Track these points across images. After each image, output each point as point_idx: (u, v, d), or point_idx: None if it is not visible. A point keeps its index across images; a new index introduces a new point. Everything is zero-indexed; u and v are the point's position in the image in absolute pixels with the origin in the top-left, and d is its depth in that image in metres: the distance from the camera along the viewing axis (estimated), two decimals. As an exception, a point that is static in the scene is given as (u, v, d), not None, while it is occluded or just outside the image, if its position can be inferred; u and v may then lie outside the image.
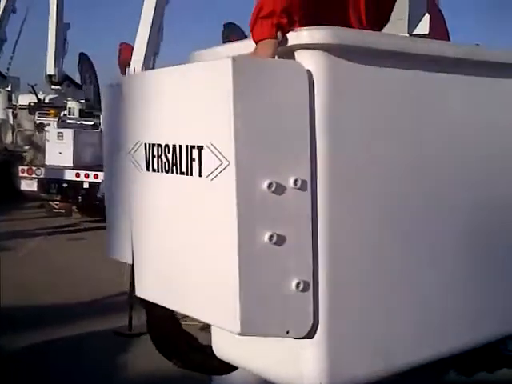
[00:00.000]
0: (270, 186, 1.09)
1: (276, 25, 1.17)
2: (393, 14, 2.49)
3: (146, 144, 1.30)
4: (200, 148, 1.14)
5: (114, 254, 1.57)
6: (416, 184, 1.32)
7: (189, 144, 1.17)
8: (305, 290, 1.15)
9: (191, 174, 1.17)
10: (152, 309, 1.65)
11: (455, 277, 1.43)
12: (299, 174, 1.13)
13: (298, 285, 1.14)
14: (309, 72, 1.14)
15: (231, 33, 14.39)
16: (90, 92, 16.26)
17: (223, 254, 1.11)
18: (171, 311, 1.68)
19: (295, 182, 1.12)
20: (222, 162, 1.08)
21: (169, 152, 1.23)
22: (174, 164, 1.21)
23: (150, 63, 9.67)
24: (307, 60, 1.15)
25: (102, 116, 1.88)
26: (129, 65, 9.12)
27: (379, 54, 1.21)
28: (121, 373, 3.84)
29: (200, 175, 1.14)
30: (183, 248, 1.23)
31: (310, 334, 1.19)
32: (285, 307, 1.15)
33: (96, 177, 8.52)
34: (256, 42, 1.19)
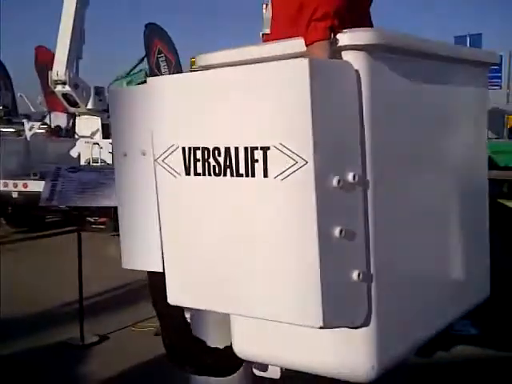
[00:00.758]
0: (338, 182, 1.12)
1: (330, 27, 1.22)
2: None
3: (184, 148, 1.26)
4: (265, 149, 1.13)
5: (136, 264, 1.48)
6: (435, 176, 1.45)
7: (249, 145, 1.16)
8: (364, 280, 1.21)
9: (252, 176, 1.16)
10: (167, 316, 1.60)
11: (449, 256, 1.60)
12: (356, 170, 1.18)
13: (359, 275, 1.19)
14: (357, 72, 1.19)
15: (153, 33, 14.12)
16: (7, 98, 15.03)
17: (301, 251, 1.12)
18: (184, 318, 1.64)
19: (354, 177, 1.17)
20: (296, 162, 1.10)
21: (219, 155, 1.20)
22: (228, 166, 1.19)
23: (73, 68, 9.09)
24: (355, 60, 1.20)
25: (110, 121, 1.69)
26: (47, 68, 8.47)
27: (411, 53, 1.31)
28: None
29: (266, 176, 1.14)
30: (241, 250, 1.21)
31: (367, 322, 1.24)
32: (352, 298, 1.20)
33: (25, 186, 7.86)
34: (309, 44, 1.22)
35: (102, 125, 9.67)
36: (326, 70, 1.11)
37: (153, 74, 13.55)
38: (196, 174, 1.25)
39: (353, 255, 1.19)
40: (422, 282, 1.44)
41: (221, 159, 1.20)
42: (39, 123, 9.50)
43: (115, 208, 1.53)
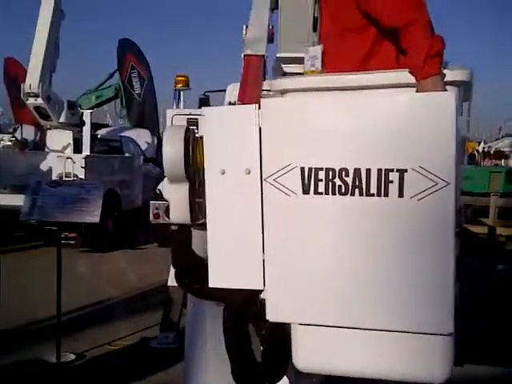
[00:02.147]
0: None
1: (441, 63, 1.31)
2: (302, 36, 2.76)
3: (303, 168, 1.27)
4: (402, 171, 1.16)
5: (229, 282, 1.46)
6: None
7: (383, 167, 1.18)
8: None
9: (386, 196, 1.18)
10: None
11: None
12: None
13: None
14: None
15: (126, 48, 13.89)
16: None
17: (438, 267, 1.16)
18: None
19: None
20: (436, 183, 1.13)
21: (347, 175, 1.22)
22: (357, 186, 1.21)
23: (46, 80, 8.83)
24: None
25: (205, 138, 1.65)
26: (16, 80, 8.15)
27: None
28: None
29: (401, 196, 1.17)
30: (367, 265, 1.24)
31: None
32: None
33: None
34: (424, 77, 1.29)
35: (74, 139, 9.46)
36: (455, 102, 1.18)
37: (125, 90, 13.41)
38: (317, 193, 1.26)
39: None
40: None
41: (349, 180, 1.22)
42: (9, 136, 9.18)
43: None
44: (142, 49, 14.10)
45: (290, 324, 1.56)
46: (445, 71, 1.31)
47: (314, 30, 2.11)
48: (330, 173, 1.24)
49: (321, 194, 1.25)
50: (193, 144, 2.20)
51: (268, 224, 1.36)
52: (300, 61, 2.94)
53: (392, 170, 1.18)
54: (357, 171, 1.21)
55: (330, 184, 1.24)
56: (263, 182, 1.34)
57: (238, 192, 1.41)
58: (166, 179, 2.67)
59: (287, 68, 2.99)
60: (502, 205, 8.61)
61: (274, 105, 1.34)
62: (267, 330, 1.69)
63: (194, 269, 1.90)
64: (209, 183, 1.45)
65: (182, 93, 7.01)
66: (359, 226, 1.23)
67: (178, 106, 7.95)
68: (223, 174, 1.42)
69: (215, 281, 1.48)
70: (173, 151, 2.21)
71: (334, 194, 1.24)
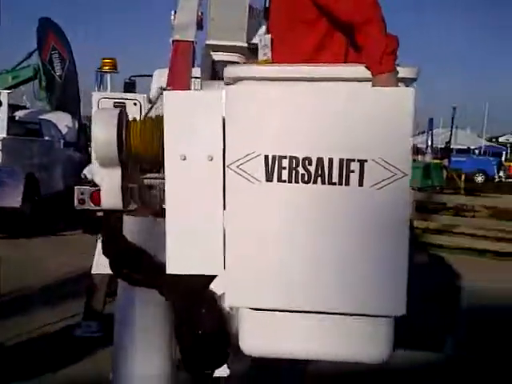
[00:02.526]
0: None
1: (395, 60, 1.40)
2: (233, 24, 2.82)
3: (267, 156, 1.30)
4: (362, 161, 1.23)
5: (188, 268, 1.47)
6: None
7: (345, 157, 1.25)
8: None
9: (346, 184, 1.25)
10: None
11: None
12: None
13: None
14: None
15: (47, 27, 13.02)
16: None
17: (392, 251, 1.25)
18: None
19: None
20: (394, 174, 1.21)
21: (310, 164, 1.27)
22: (319, 175, 1.26)
23: None
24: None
25: (165, 123, 1.58)
26: None
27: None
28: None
29: (360, 185, 1.24)
30: (326, 251, 1.30)
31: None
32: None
33: None
34: (381, 73, 1.37)
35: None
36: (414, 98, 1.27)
37: (45, 71, 12.74)
38: (280, 180, 1.29)
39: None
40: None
41: (311, 168, 1.27)
42: None
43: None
44: (63, 29, 13.50)
45: (234, 310, 1.61)
46: (397, 68, 1.40)
47: (265, 18, 2.15)
48: (294, 161, 1.28)
49: (284, 181, 1.29)
50: (126, 127, 2.22)
51: (230, 210, 1.37)
52: (229, 49, 2.96)
53: (353, 160, 1.24)
54: (319, 160, 1.26)
55: (294, 172, 1.28)
56: (226, 168, 1.35)
57: (199, 178, 1.41)
58: (96, 163, 2.60)
59: (216, 56, 2.92)
60: (419, 199, 9.15)
61: (239, 92, 1.35)
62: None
63: (130, 257, 1.90)
64: (168, 168, 1.44)
65: (108, 76, 6.78)
66: (320, 213, 1.29)
67: (99, 89, 7.75)
68: (184, 159, 1.42)
69: (174, 267, 1.48)
70: (105, 134, 2.13)
71: (297, 182, 1.28)
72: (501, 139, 39.46)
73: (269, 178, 1.31)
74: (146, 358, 1.90)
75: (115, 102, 4.65)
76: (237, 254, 1.38)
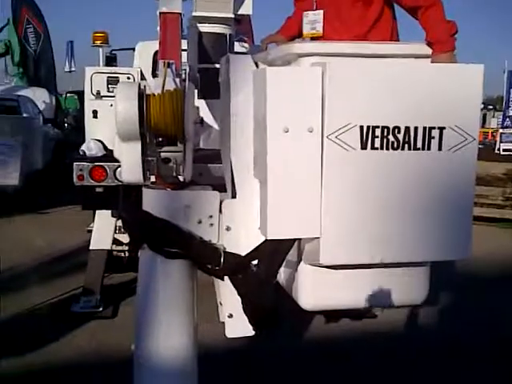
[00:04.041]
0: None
1: (455, 41, 1.73)
2: None
3: (362, 126, 1.58)
4: (441, 128, 1.57)
5: (288, 232, 1.65)
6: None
7: (427, 125, 1.58)
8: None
9: (428, 149, 1.59)
10: None
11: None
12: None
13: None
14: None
15: (20, 1, 12.24)
16: None
17: (462, 203, 1.62)
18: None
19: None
20: (466, 139, 1.57)
21: (399, 132, 1.58)
22: (406, 142, 1.59)
23: None
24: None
25: (268, 97, 1.70)
26: None
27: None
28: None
29: (440, 149, 1.58)
30: (413, 207, 1.63)
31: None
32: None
33: None
34: (445, 51, 1.71)
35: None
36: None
37: (20, 46, 12.22)
38: (373, 148, 1.59)
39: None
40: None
41: (400, 136, 1.59)
42: None
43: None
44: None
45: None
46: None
47: None
48: (385, 130, 1.57)
49: (376, 149, 1.58)
50: (146, 101, 2.19)
51: (327, 177, 1.59)
52: (216, 20, 3.03)
53: (434, 128, 1.57)
54: (407, 129, 1.57)
55: (385, 140, 1.58)
56: (324, 139, 1.59)
57: (300, 148, 1.59)
58: (116, 138, 2.69)
59: (203, 27, 3.02)
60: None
61: (339, 68, 1.57)
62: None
63: (159, 230, 1.91)
64: (271, 140, 1.60)
65: (100, 50, 6.68)
66: (407, 175, 1.60)
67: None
68: (286, 131, 1.59)
69: (275, 232, 1.64)
70: (128, 109, 2.17)
71: (387, 149, 1.58)
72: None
73: (363, 146, 1.58)
74: (169, 330, 1.92)
75: (109, 77, 4.68)
76: (332, 216, 1.61)
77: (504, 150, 13.32)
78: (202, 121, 2.81)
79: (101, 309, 4.54)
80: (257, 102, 1.77)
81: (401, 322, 4.30)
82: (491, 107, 28.10)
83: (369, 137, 1.60)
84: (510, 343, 4.07)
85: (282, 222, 1.66)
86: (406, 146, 1.59)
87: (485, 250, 6.09)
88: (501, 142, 14.12)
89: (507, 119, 15.61)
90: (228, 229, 1.90)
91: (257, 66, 1.90)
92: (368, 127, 1.59)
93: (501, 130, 14.95)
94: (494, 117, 23.81)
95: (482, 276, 5.49)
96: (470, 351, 3.95)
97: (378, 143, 1.60)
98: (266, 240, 1.71)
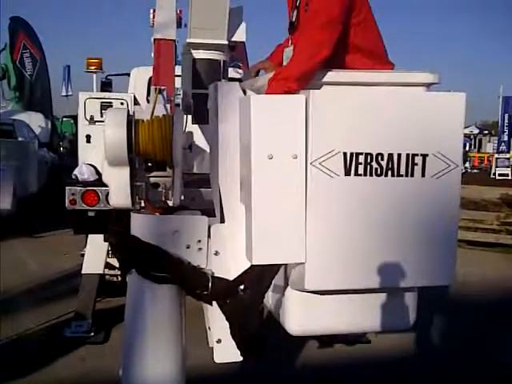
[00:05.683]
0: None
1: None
2: (212, 22, 2.96)
3: (345, 153, 1.61)
4: (424, 155, 1.59)
5: (273, 258, 1.67)
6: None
7: (410, 152, 1.60)
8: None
9: (411, 176, 1.60)
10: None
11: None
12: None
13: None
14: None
15: (18, 27, 12.43)
16: None
17: (447, 230, 1.62)
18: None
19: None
20: (449, 165, 1.58)
21: (382, 159, 1.61)
22: (390, 169, 1.61)
23: None
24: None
25: (252, 125, 1.73)
26: None
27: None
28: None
29: (423, 176, 1.60)
30: (396, 233, 1.64)
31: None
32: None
33: None
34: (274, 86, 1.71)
35: None
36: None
37: (16, 70, 12.37)
38: (357, 174, 1.62)
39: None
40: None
41: (383, 163, 1.61)
42: None
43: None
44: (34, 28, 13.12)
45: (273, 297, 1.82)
46: (423, 74, 1.70)
47: (290, 33, 2.20)
48: (369, 157, 1.60)
49: (360, 175, 1.60)
50: (135, 127, 2.25)
51: (312, 203, 1.62)
52: (210, 47, 3.08)
53: (417, 155, 1.59)
54: (390, 156, 1.60)
55: (368, 167, 1.60)
56: (308, 165, 1.61)
57: (284, 175, 1.62)
58: (105, 163, 2.69)
59: (197, 54, 3.06)
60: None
61: (323, 96, 1.60)
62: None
63: (146, 255, 1.91)
64: (255, 167, 1.64)
65: (94, 76, 6.74)
66: (390, 201, 1.62)
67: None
68: (271, 158, 1.63)
69: (260, 258, 1.66)
70: (116, 134, 2.24)
71: (371, 175, 1.60)
72: (465, 131, 41.47)
73: (347, 173, 1.61)
74: (156, 356, 1.92)
75: (102, 102, 4.70)
76: (317, 242, 1.62)
77: (500, 175, 13.40)
78: (190, 146, 2.84)
79: (92, 333, 4.48)
80: (242, 128, 1.80)
81: (395, 347, 4.26)
82: (487, 132, 28.35)
83: (352, 163, 1.62)
84: (502, 371, 4.02)
85: (266, 247, 1.67)
86: (390, 172, 1.61)
87: (479, 275, 6.11)
88: (496, 166, 14.22)
89: (502, 144, 15.75)
90: (216, 253, 1.92)
91: (244, 92, 1.93)
92: (351, 154, 1.62)
93: (496, 155, 15.08)
94: (489, 141, 24.03)
95: (475, 301, 5.46)
96: (460, 378, 3.90)
97: (361, 170, 1.62)
98: (252, 265, 1.72)
